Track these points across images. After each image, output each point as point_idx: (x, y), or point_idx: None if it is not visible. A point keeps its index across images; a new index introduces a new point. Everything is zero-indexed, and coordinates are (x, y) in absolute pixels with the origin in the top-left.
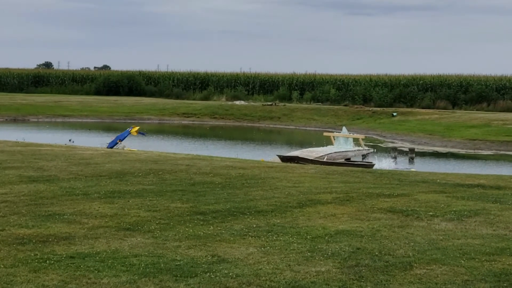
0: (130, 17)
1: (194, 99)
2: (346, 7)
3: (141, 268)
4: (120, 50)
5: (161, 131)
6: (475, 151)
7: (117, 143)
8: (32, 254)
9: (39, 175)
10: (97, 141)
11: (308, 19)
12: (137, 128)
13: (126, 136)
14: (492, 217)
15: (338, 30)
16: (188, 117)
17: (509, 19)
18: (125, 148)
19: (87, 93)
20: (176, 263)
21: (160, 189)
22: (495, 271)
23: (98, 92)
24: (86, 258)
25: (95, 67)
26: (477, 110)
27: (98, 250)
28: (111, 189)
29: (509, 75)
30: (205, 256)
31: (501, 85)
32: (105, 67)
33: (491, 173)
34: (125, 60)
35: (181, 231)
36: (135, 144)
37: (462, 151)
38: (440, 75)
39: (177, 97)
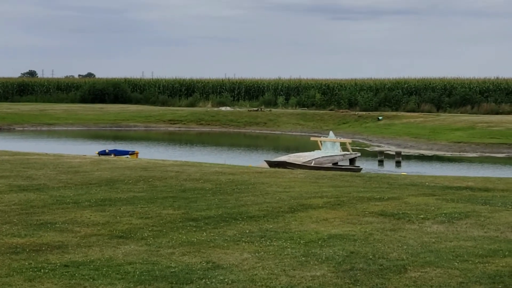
0: (113, 24)
1: (180, 106)
2: (330, 11)
3: (136, 276)
4: (104, 57)
5: (147, 138)
6: (461, 153)
7: (107, 152)
8: (27, 263)
9: (28, 184)
10: (84, 149)
11: (292, 24)
12: (137, 153)
13: (122, 156)
14: (483, 219)
15: (322, 35)
16: (174, 123)
17: (492, 22)
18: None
19: (72, 101)
20: (171, 270)
21: (151, 196)
22: (489, 273)
23: (83, 100)
24: (80, 267)
25: (79, 75)
26: (461, 113)
27: (92, 258)
28: (101, 197)
29: (492, 78)
30: (200, 263)
31: (484, 88)
32: (90, 74)
33: (478, 175)
34: (110, 68)
35: (174, 237)
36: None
37: (448, 154)
38: (424, 79)
39: (163, 104)
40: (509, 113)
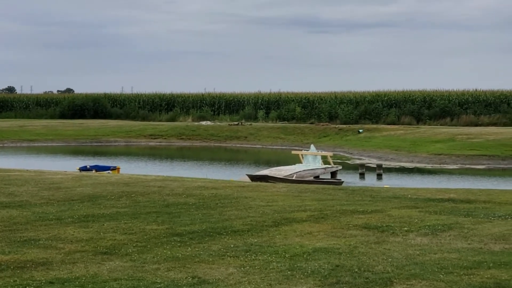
0: (93, 39)
1: (160, 121)
2: (308, 25)
3: None
4: (83, 73)
5: (128, 153)
6: (441, 165)
7: (88, 168)
8: (12, 281)
9: (10, 201)
10: (65, 165)
11: (271, 38)
12: (119, 169)
13: (104, 171)
14: (466, 230)
15: (301, 48)
16: (155, 138)
17: (470, 34)
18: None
19: (52, 117)
20: (157, 286)
21: (134, 212)
22: (474, 285)
23: (63, 116)
24: (65, 283)
25: (58, 91)
26: (441, 125)
27: (77, 275)
28: (84, 213)
29: (471, 90)
30: (186, 278)
31: (463, 100)
32: (69, 90)
33: (459, 187)
34: (89, 83)
35: (159, 253)
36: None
37: (429, 166)
38: (404, 91)
39: (143, 118)
40: (488, 124)
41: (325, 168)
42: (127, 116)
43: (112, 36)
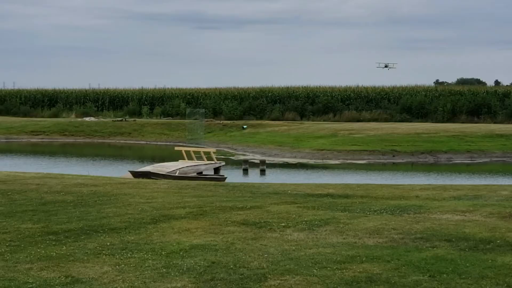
0: None
1: (42, 117)
2: (194, 21)
3: None
4: None
5: (8, 150)
6: (324, 161)
7: None
8: None
9: None
10: None
11: (156, 34)
12: None
13: None
14: (342, 225)
15: (187, 44)
16: (37, 135)
17: (353, 32)
18: None
19: None
20: (29, 286)
21: (10, 210)
22: (346, 279)
23: None
24: None
25: None
26: (324, 120)
27: None
28: None
29: (353, 86)
30: (59, 277)
31: (346, 96)
32: None
33: (339, 182)
34: None
35: (33, 252)
36: None
37: (311, 161)
38: (288, 87)
39: (25, 115)
40: (369, 120)
41: (208, 164)
42: (7, 112)
43: None
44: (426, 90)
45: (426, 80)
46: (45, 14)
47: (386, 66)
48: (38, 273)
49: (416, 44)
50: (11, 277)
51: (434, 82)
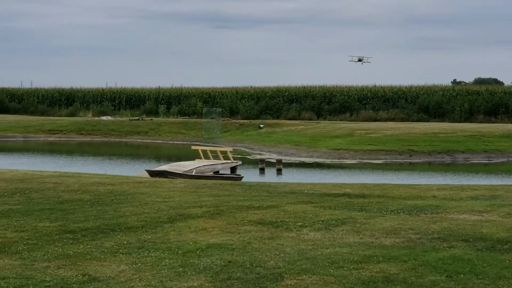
0: None
1: (60, 116)
2: (210, 20)
3: None
4: None
5: (26, 148)
6: (340, 160)
7: None
8: None
9: None
10: None
11: (173, 33)
12: None
13: None
14: (359, 225)
15: (203, 44)
16: (54, 133)
17: (369, 31)
18: None
19: None
20: (46, 284)
21: (27, 209)
22: (363, 279)
23: None
24: None
25: None
26: (340, 120)
27: None
28: None
29: (370, 86)
30: (76, 276)
31: (362, 95)
32: None
33: (356, 182)
34: None
35: (50, 251)
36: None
37: (328, 161)
38: (305, 87)
39: (42, 113)
40: (386, 120)
41: (224, 163)
42: (25, 111)
43: (11, 30)
44: (443, 89)
45: (443, 79)
46: (62, 14)
47: (360, 60)
48: (55, 271)
49: (433, 43)
50: (28, 276)
51: (451, 82)
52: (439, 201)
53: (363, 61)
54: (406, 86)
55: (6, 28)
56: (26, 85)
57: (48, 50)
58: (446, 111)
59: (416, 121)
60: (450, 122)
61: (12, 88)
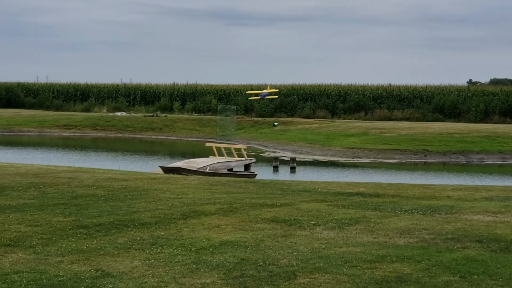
0: (7, 27)
1: (74, 111)
2: (227, 17)
3: (23, 285)
4: None
5: (41, 143)
6: (354, 159)
7: None
8: None
9: None
10: None
11: (189, 30)
12: None
13: None
14: (372, 224)
15: (219, 41)
16: (69, 129)
17: (385, 30)
18: None
19: None
20: (59, 279)
21: (42, 203)
22: (376, 279)
23: None
24: None
25: None
26: (355, 119)
27: None
28: None
29: (385, 85)
30: (89, 271)
31: (377, 94)
32: None
33: (370, 181)
34: (2, 72)
35: (64, 245)
36: (13, 157)
37: (342, 160)
38: (319, 85)
39: (57, 108)
40: (401, 119)
41: (238, 161)
42: (40, 106)
43: (28, 25)
44: (459, 89)
45: (459, 79)
46: (79, 9)
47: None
48: (69, 266)
49: (449, 43)
50: (42, 270)
51: (467, 82)
52: (453, 202)
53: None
54: (421, 86)
55: (22, 23)
56: (42, 80)
57: (64, 45)
58: (461, 111)
59: (431, 121)
60: (465, 122)
61: (28, 83)
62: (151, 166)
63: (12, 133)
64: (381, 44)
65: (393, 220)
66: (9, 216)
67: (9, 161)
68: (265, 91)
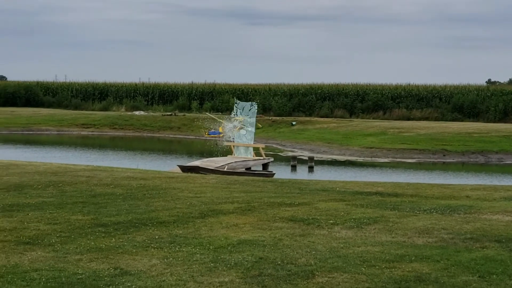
0: (26, 26)
1: (93, 110)
2: (245, 17)
3: (42, 283)
4: (17, 60)
5: (59, 142)
6: (372, 159)
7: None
8: None
9: None
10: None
11: (207, 29)
12: None
13: None
14: (391, 224)
15: (237, 40)
16: (88, 128)
17: (404, 29)
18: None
19: None
20: (78, 277)
21: (60, 202)
22: (395, 278)
23: None
24: None
25: None
26: (373, 118)
27: None
28: (9, 202)
29: (403, 84)
30: (108, 269)
31: (396, 94)
32: (1, 77)
33: (388, 181)
34: (22, 71)
35: (83, 243)
36: (32, 156)
37: (360, 159)
38: (338, 84)
39: (76, 107)
40: (420, 119)
41: (256, 160)
42: (59, 105)
43: (47, 24)
44: (478, 89)
45: (478, 79)
46: (97, 8)
47: None
48: (88, 264)
49: (468, 42)
50: (61, 268)
51: (486, 82)
52: (472, 201)
53: None
54: (440, 85)
55: (41, 22)
56: (61, 79)
57: (83, 45)
58: (480, 111)
59: (450, 120)
60: (484, 122)
61: (47, 82)
62: (169, 165)
63: (31, 132)
64: (400, 44)
65: (411, 219)
66: (28, 214)
67: (28, 160)
68: (216, 129)
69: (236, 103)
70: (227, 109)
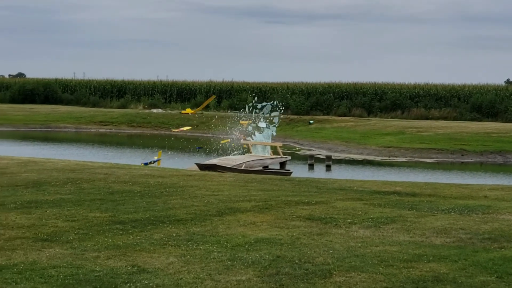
0: (45, 24)
1: (111, 107)
2: (263, 15)
3: (60, 280)
4: (36, 57)
5: (78, 139)
6: (390, 158)
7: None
8: None
9: None
10: (13, 150)
11: (226, 27)
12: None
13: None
14: (409, 224)
15: (256, 38)
16: (105, 125)
17: (423, 28)
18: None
19: (2, 101)
20: (96, 274)
21: (78, 199)
22: (413, 278)
23: (13, 100)
24: (3, 270)
25: (9, 75)
26: (391, 117)
27: (16, 261)
28: (28, 199)
29: (422, 83)
30: (125, 267)
31: (414, 93)
32: (20, 74)
33: (406, 180)
34: (41, 68)
35: (100, 241)
36: (50, 153)
37: (378, 158)
38: (356, 83)
39: (94, 105)
40: (438, 118)
41: (274, 158)
42: (77, 102)
43: (66, 22)
44: (496, 89)
45: (497, 79)
46: (116, 6)
47: None
48: (105, 261)
49: (487, 42)
50: (78, 265)
51: (505, 81)
52: (490, 202)
53: None
54: (459, 85)
55: (60, 20)
56: (79, 76)
57: (101, 42)
58: (499, 111)
59: (469, 120)
60: (503, 122)
61: (65, 79)
62: (187, 163)
63: (50, 129)
64: (418, 43)
65: (429, 219)
66: (46, 211)
67: (46, 157)
68: (155, 157)
69: (256, 103)
70: (245, 107)
